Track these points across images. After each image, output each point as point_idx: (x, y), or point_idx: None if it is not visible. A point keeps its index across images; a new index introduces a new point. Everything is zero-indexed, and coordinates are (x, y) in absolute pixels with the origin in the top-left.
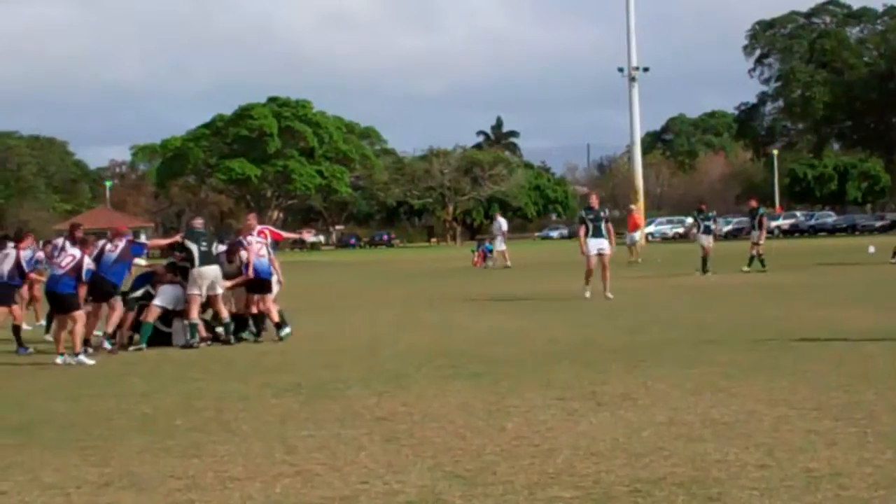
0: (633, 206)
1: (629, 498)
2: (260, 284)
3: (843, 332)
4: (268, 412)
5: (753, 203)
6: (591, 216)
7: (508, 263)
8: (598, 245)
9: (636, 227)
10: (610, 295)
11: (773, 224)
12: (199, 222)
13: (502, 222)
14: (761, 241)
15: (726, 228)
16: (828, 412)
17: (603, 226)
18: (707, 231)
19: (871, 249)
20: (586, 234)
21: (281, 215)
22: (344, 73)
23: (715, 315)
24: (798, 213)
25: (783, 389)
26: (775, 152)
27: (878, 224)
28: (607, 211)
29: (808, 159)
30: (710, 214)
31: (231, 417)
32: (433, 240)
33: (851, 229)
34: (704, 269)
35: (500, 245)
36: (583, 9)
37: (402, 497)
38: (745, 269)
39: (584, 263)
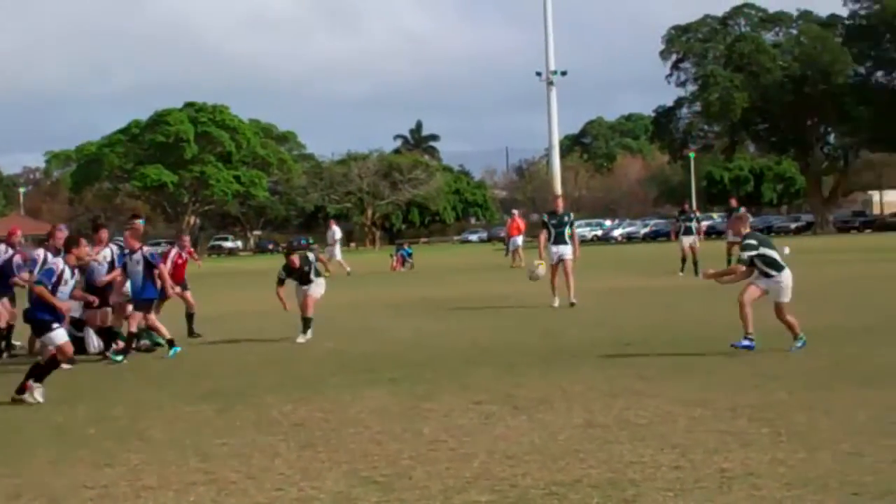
0: (514, 211)
1: (545, 500)
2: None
3: (758, 332)
4: (183, 420)
5: (734, 202)
6: (553, 221)
7: (348, 270)
8: (560, 252)
9: (519, 232)
10: (574, 300)
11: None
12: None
13: (336, 230)
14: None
15: (644, 231)
16: (742, 412)
17: (566, 231)
18: (688, 232)
19: (787, 250)
20: (548, 241)
21: (198, 221)
22: (265, 76)
23: (634, 317)
24: (714, 215)
25: (698, 390)
26: (692, 155)
27: (794, 226)
28: (572, 215)
29: (724, 162)
30: (692, 215)
31: (145, 426)
32: (352, 244)
33: (767, 231)
34: (696, 270)
35: (336, 254)
36: (503, 12)
37: (316, 503)
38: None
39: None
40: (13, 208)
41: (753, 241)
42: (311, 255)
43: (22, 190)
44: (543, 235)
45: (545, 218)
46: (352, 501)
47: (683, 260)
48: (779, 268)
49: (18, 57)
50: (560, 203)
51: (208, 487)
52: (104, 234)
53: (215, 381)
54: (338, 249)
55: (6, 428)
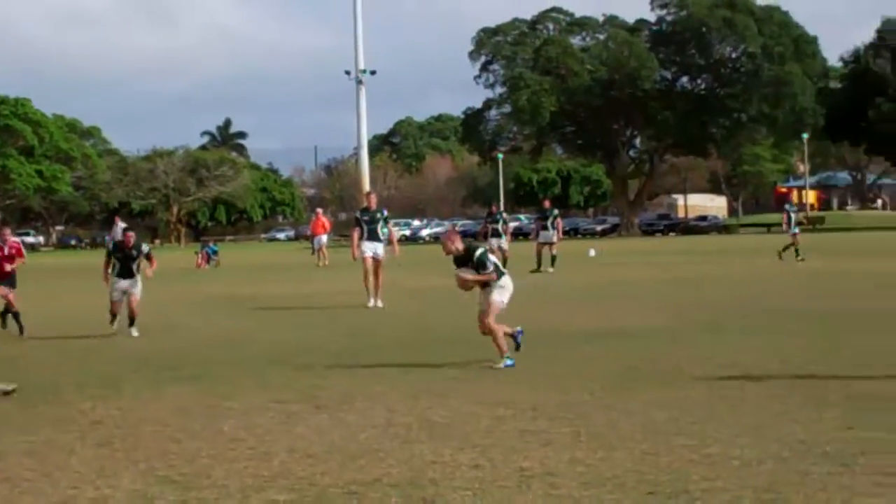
0: (318, 210)
1: (343, 499)
2: None
3: (561, 333)
4: None
5: (547, 203)
6: (366, 217)
7: None
8: (373, 248)
9: (324, 230)
10: (380, 304)
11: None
12: None
13: (121, 227)
14: (556, 241)
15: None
16: (543, 412)
17: (379, 228)
18: (496, 234)
19: (592, 252)
20: (360, 237)
21: None
22: (75, 72)
23: (438, 317)
24: (522, 217)
25: (501, 390)
26: (500, 156)
27: (600, 228)
28: (386, 211)
29: (532, 164)
30: (499, 217)
31: None
32: (157, 241)
33: (574, 232)
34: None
35: None
36: (315, 10)
37: (112, 502)
38: (550, 269)
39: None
40: None
41: (483, 248)
42: (145, 247)
43: None
44: (356, 232)
45: (357, 214)
46: (148, 500)
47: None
48: (501, 273)
49: None
50: (373, 199)
51: (2, 486)
52: None
53: (12, 378)
54: None
55: None
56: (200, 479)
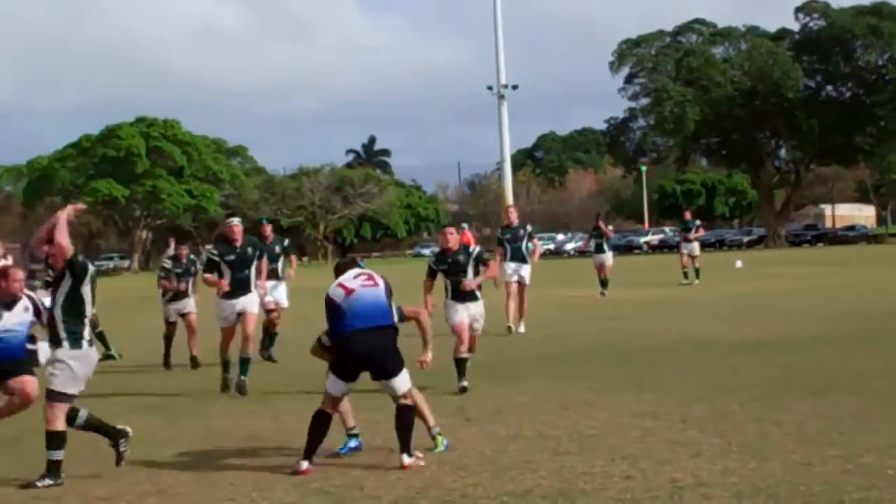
0: (464, 225)
1: None
2: None
3: (709, 345)
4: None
5: (688, 215)
6: (507, 236)
7: None
8: (517, 270)
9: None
10: (522, 329)
11: (643, 240)
12: None
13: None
14: (697, 253)
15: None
16: (693, 424)
17: (524, 246)
18: (599, 249)
19: (739, 264)
20: (503, 258)
21: (150, 235)
22: (215, 91)
23: (584, 330)
24: (666, 229)
25: (649, 402)
26: (644, 168)
27: (746, 239)
28: (530, 227)
29: (676, 175)
30: (602, 231)
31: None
32: (304, 259)
33: (720, 244)
34: (603, 288)
35: None
36: (454, 26)
37: None
38: (696, 281)
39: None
40: None
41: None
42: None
43: None
44: (499, 254)
45: (499, 233)
46: None
47: (602, 281)
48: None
49: None
50: (513, 214)
51: (158, 498)
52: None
53: (162, 396)
54: None
55: None
56: (353, 491)
